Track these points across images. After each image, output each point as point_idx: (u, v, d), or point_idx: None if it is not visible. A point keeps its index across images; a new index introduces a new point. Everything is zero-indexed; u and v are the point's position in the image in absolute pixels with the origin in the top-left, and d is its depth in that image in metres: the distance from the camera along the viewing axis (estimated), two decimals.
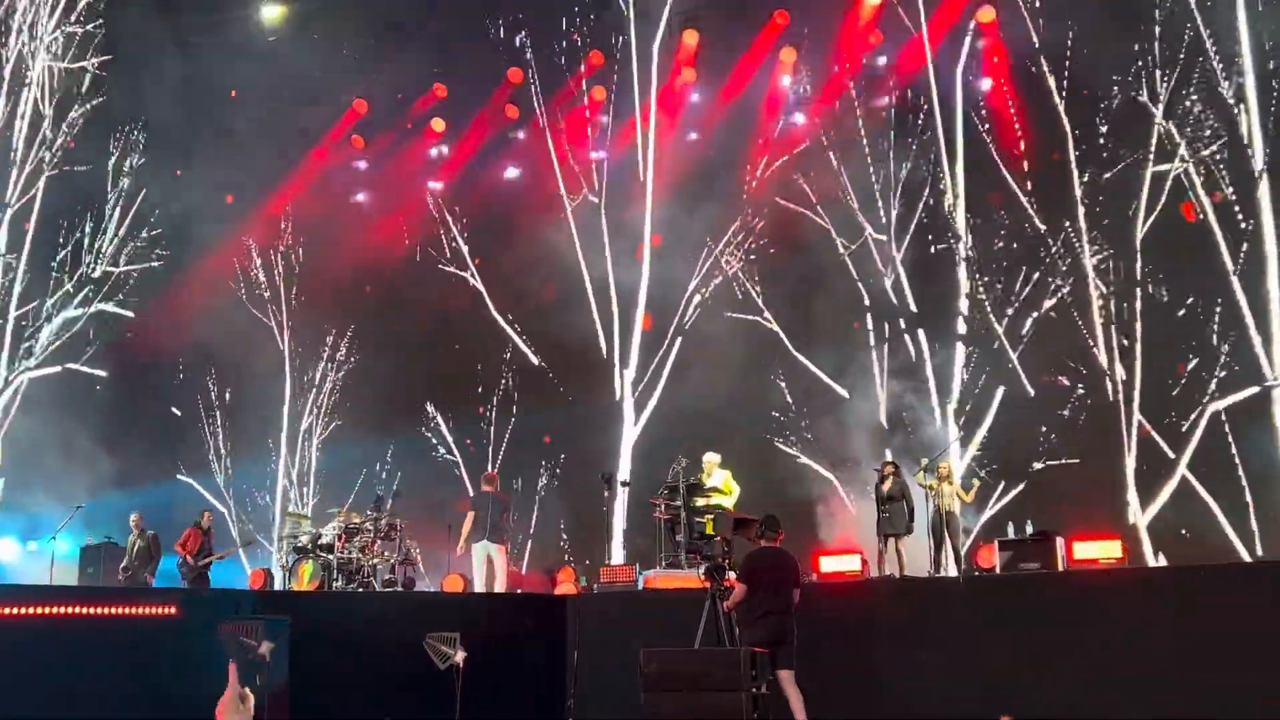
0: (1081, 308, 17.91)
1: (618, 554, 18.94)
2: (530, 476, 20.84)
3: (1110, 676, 10.16)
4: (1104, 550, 11.75)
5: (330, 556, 14.73)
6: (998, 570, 12.22)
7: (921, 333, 19.22)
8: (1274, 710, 9.49)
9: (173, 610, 10.80)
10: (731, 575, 10.48)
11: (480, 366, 21.80)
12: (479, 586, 14.81)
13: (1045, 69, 18.03)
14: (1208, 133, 17.09)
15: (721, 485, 14.40)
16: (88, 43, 20.71)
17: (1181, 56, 17.25)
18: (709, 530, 13.68)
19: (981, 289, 18.58)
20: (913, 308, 19.23)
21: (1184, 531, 16.34)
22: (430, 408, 21.89)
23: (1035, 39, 18.05)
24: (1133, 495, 17.03)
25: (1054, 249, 18.11)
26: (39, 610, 10.20)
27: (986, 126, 18.69)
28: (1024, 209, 18.36)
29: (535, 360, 21.57)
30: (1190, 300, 17.03)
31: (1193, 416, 16.88)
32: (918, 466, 14.67)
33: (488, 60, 21.53)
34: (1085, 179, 17.94)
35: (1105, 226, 17.80)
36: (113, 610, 10.67)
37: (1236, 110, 16.95)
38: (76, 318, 21.03)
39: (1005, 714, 10.07)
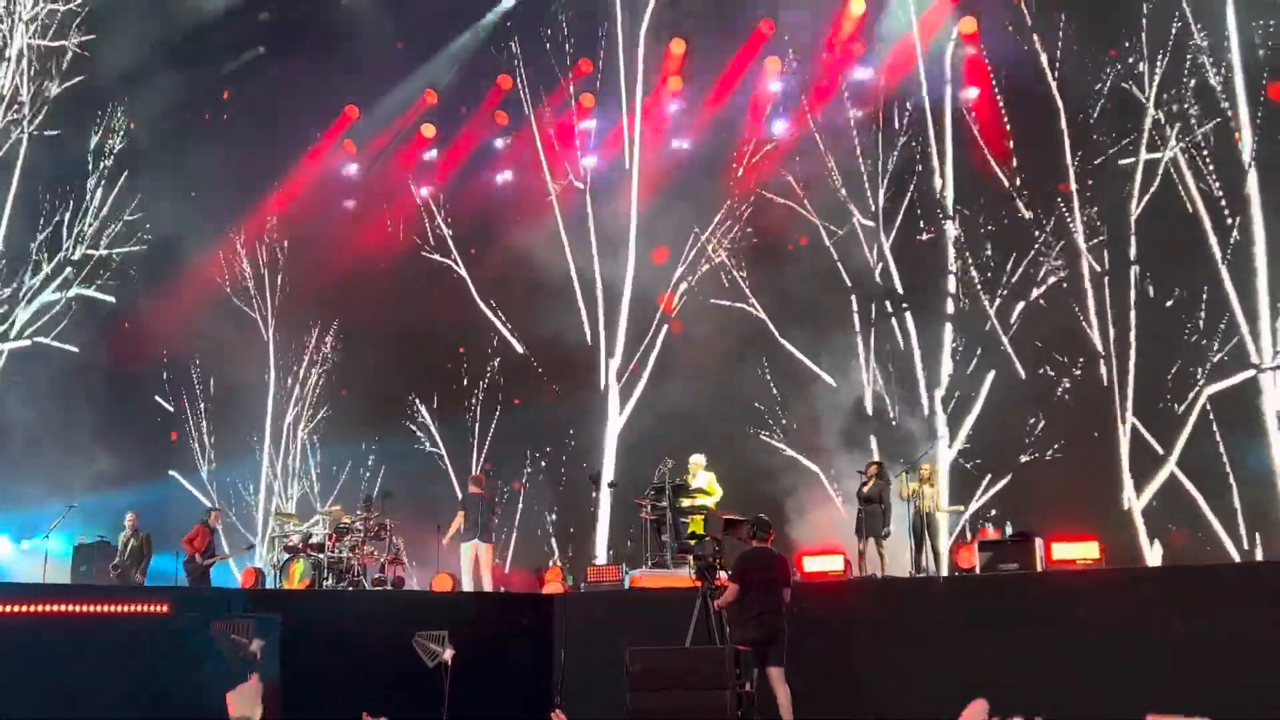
0: (1075, 287, 17.72)
1: (603, 553, 19.02)
2: (515, 470, 20.89)
3: (1088, 675, 10.32)
4: (1081, 551, 11.94)
5: (321, 555, 14.89)
6: (977, 570, 12.41)
7: (909, 316, 19.06)
8: (1250, 709, 9.64)
9: (165, 608, 10.90)
10: (722, 575, 10.64)
11: (465, 365, 21.82)
12: (467, 585, 14.99)
13: (1038, 47, 17.88)
14: (1192, 118, 17.07)
15: (706, 486, 14.62)
16: (71, 20, 20.58)
17: (1170, 42, 17.17)
18: (694, 530, 13.91)
19: (972, 268, 18.42)
20: (899, 289, 19.10)
21: (1171, 526, 16.27)
22: (416, 402, 21.89)
23: (1028, 24, 17.97)
24: (1127, 480, 16.93)
25: (1046, 229, 17.95)
26: (32, 608, 10.26)
27: (976, 128, 18.68)
28: (1014, 196, 18.26)
29: (520, 349, 21.55)
30: (1177, 292, 16.97)
31: (1188, 399, 16.73)
32: (900, 470, 14.79)
33: (479, 67, 21.66)
34: (1077, 159, 17.81)
35: (1098, 213, 17.69)
36: (105, 608, 10.75)
37: (1225, 101, 16.88)
38: (55, 301, 20.87)
39: (990, 713, 10.24)
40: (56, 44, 20.48)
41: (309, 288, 22.48)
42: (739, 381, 19.34)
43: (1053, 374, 17.67)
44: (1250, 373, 16.38)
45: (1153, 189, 17.28)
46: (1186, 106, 17.14)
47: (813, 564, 13.09)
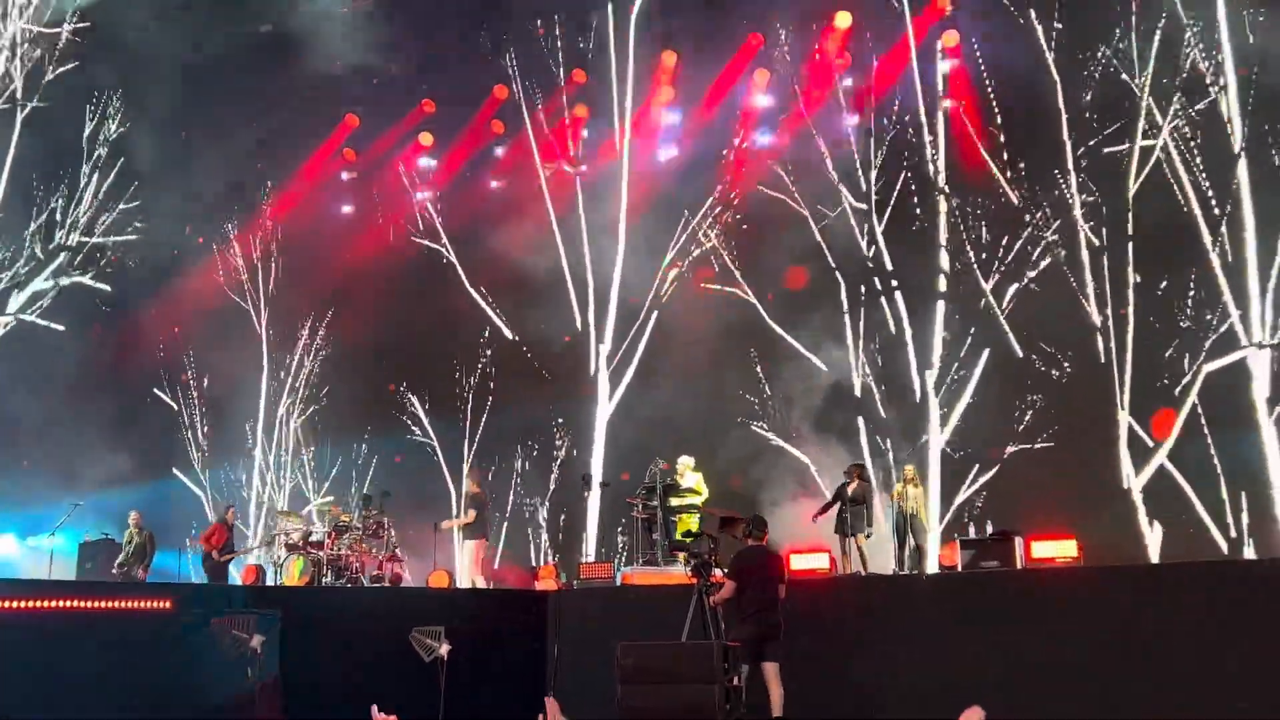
0: (1072, 260, 17.58)
1: (592, 551, 19.12)
2: (508, 460, 21.02)
3: (1065, 671, 10.53)
4: (1060, 549, 12.20)
5: (320, 553, 15.15)
6: (959, 568, 12.67)
7: (899, 296, 18.94)
8: (1224, 704, 9.87)
9: (167, 605, 11.17)
10: (718, 572, 10.85)
11: (456, 358, 21.84)
12: (464, 584, 15.31)
13: (1034, 22, 17.82)
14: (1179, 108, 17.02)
15: (695, 486, 14.93)
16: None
17: (1159, 29, 17.11)
18: (685, 529, 14.18)
19: (966, 243, 18.32)
20: (889, 265, 18.99)
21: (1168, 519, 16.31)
22: (407, 393, 21.96)
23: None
24: (1125, 459, 16.88)
25: (1044, 206, 17.82)
26: (37, 604, 10.53)
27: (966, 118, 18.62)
28: (1009, 181, 18.19)
29: (510, 335, 21.59)
30: (1165, 283, 16.94)
31: (1185, 379, 16.61)
32: (891, 476, 15.01)
33: (476, 76, 21.75)
34: (1072, 138, 17.70)
35: (1095, 190, 17.58)
36: (109, 604, 11.02)
37: (1217, 90, 16.81)
38: (46, 290, 20.82)
39: (970, 706, 10.49)
40: (52, 30, 20.35)
41: (302, 279, 22.59)
42: (727, 369, 19.38)
43: (1050, 349, 17.49)
44: (1247, 351, 16.23)
45: (1146, 169, 17.18)
46: (1177, 100, 17.05)
47: (799, 561, 13.32)
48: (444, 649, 11.04)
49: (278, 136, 22.38)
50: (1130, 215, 17.32)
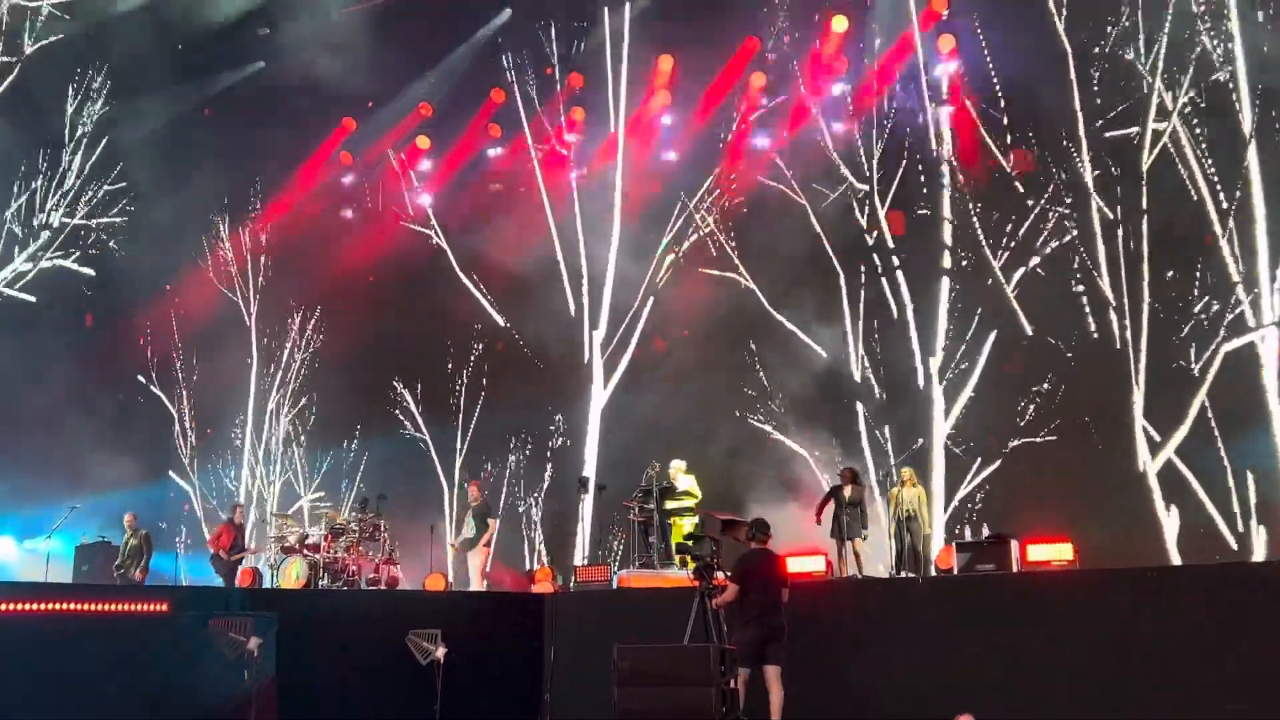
0: (1085, 233, 17.34)
1: (585, 554, 19.10)
2: (501, 455, 20.99)
3: (1061, 673, 10.59)
4: (1056, 553, 12.26)
5: (317, 556, 15.16)
6: (955, 571, 12.71)
7: (901, 276, 18.67)
8: (1221, 706, 9.90)
9: (164, 607, 11.19)
10: (720, 575, 10.86)
11: (450, 349, 21.75)
12: (477, 587, 15.44)
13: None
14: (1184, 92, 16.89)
15: (689, 489, 14.97)
16: None
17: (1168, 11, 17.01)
18: (680, 534, 14.22)
19: (975, 217, 18.01)
20: (890, 242, 18.78)
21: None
22: (399, 387, 21.85)
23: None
24: (1141, 443, 16.63)
25: (1056, 176, 17.54)
26: (33, 607, 10.53)
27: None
28: (1014, 152, 17.97)
29: (501, 321, 21.46)
30: (1170, 274, 16.79)
31: (1205, 357, 16.40)
32: (886, 474, 15.02)
33: (474, 79, 21.74)
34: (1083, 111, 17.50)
35: (1108, 171, 17.37)
36: (105, 607, 11.03)
37: (1227, 74, 16.68)
38: (26, 272, 20.60)
39: (964, 712, 10.51)
40: (33, 3, 20.12)
41: (293, 270, 22.48)
42: (723, 359, 19.25)
43: (1063, 328, 17.24)
44: (1268, 329, 16.06)
45: (1159, 146, 16.99)
46: (1187, 86, 16.92)
47: (794, 565, 13.33)
48: (440, 652, 11.05)
49: (273, 137, 22.29)
50: (1144, 189, 17.04)
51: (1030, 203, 17.81)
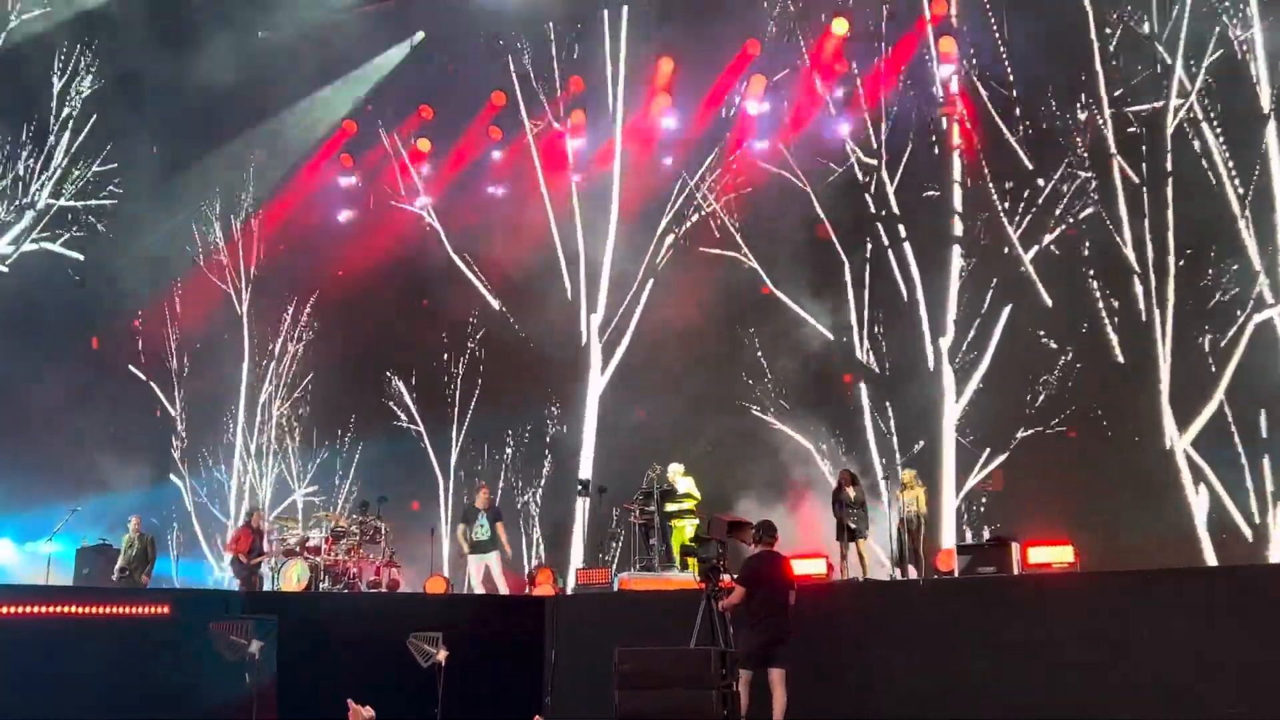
0: (1107, 200, 17.01)
1: (579, 557, 19.10)
2: (498, 446, 20.96)
3: (1063, 676, 10.58)
4: (1057, 555, 12.26)
5: (317, 559, 15.17)
6: (956, 574, 12.71)
7: (909, 251, 18.34)
8: (1221, 708, 9.91)
9: (165, 610, 11.18)
10: (727, 577, 10.88)
11: (446, 338, 21.71)
12: (503, 590, 15.58)
13: None
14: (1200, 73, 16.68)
15: (689, 491, 14.98)
16: None
17: None
18: (680, 538, 14.24)
19: (989, 183, 17.59)
20: (895, 209, 18.49)
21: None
22: (393, 377, 21.81)
23: None
24: (1169, 419, 16.31)
25: (1079, 139, 17.22)
26: (34, 610, 10.52)
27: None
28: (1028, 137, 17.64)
29: (496, 305, 21.41)
30: (1187, 255, 16.57)
31: (1232, 331, 16.15)
32: (890, 473, 14.99)
33: (474, 82, 21.77)
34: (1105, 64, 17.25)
35: (1132, 131, 17.09)
36: (107, 610, 11.00)
37: (1245, 49, 16.49)
38: (7, 254, 20.31)
39: (967, 713, 10.53)
40: None
41: (285, 260, 22.42)
42: (724, 347, 19.12)
43: (1095, 291, 16.88)
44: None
45: (1178, 117, 16.76)
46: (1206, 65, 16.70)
47: (795, 566, 13.34)
48: (442, 655, 11.03)
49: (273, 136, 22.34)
50: (1169, 152, 16.72)
51: (1037, 183, 17.48)
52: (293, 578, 14.82)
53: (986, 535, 13.42)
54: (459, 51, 21.68)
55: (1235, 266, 16.30)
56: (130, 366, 22.14)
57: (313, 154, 22.74)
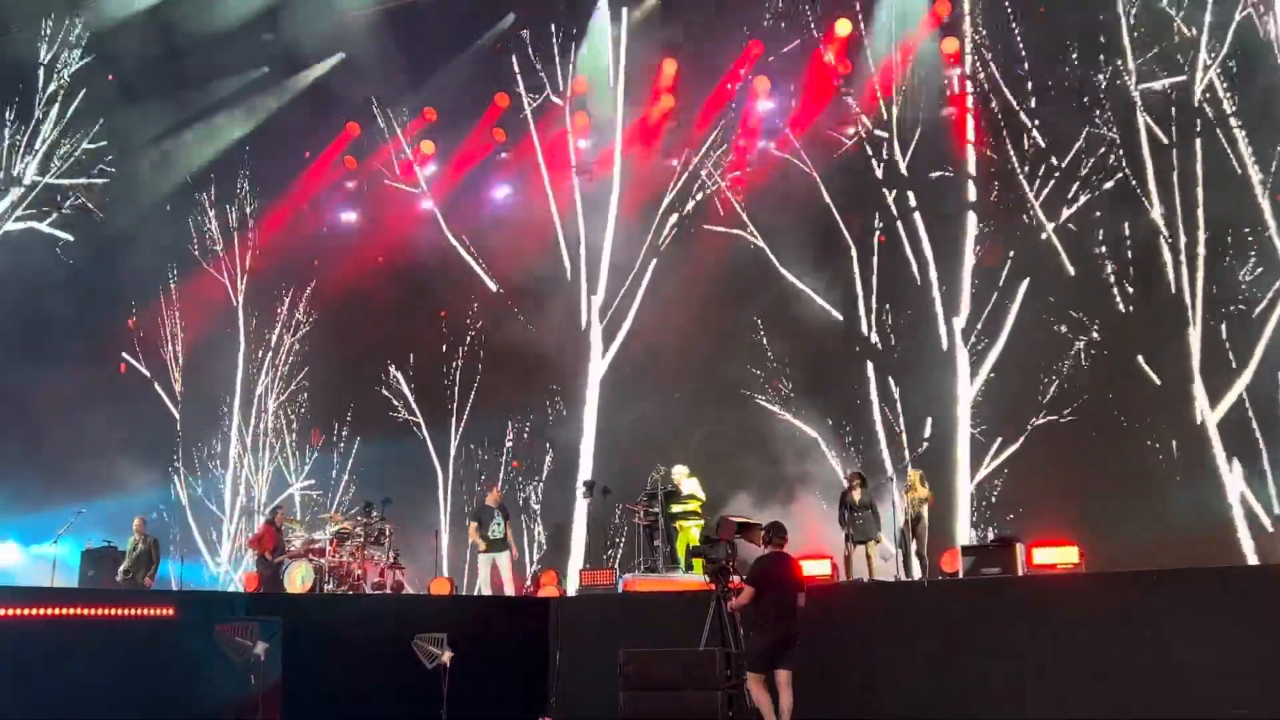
0: (1132, 156, 16.69)
1: (581, 557, 19.17)
2: (497, 438, 20.89)
3: (1068, 677, 10.59)
4: (1061, 556, 12.26)
5: (322, 560, 15.17)
6: (961, 575, 12.71)
7: (919, 220, 17.93)
8: (1225, 708, 9.92)
9: (170, 612, 11.20)
10: (737, 578, 10.86)
11: (445, 328, 21.62)
12: (510, 591, 15.52)
13: None
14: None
15: (693, 492, 14.97)
16: None
17: None
18: (686, 539, 14.23)
19: (1007, 141, 17.16)
20: (904, 171, 18.18)
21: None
22: (391, 369, 21.67)
23: None
24: (1200, 392, 15.85)
25: (1101, 94, 16.82)
26: (39, 612, 10.53)
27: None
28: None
29: (494, 287, 21.27)
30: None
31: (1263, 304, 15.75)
32: (887, 477, 14.97)
33: (477, 83, 21.77)
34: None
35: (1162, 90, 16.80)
36: (112, 612, 11.03)
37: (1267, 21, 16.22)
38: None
39: (972, 714, 10.52)
40: None
41: (281, 247, 22.26)
42: (728, 331, 18.84)
43: (1113, 268, 16.49)
44: None
45: (1202, 84, 16.45)
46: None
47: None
48: (446, 656, 11.04)
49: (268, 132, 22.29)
50: (1198, 109, 16.29)
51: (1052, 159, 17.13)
52: (297, 579, 14.81)
53: (991, 536, 13.36)
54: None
55: (1256, 247, 16.06)
56: (132, 361, 21.99)
57: (314, 148, 22.75)
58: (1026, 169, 17.37)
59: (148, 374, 22.08)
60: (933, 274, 17.94)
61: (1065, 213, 17.10)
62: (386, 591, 15.31)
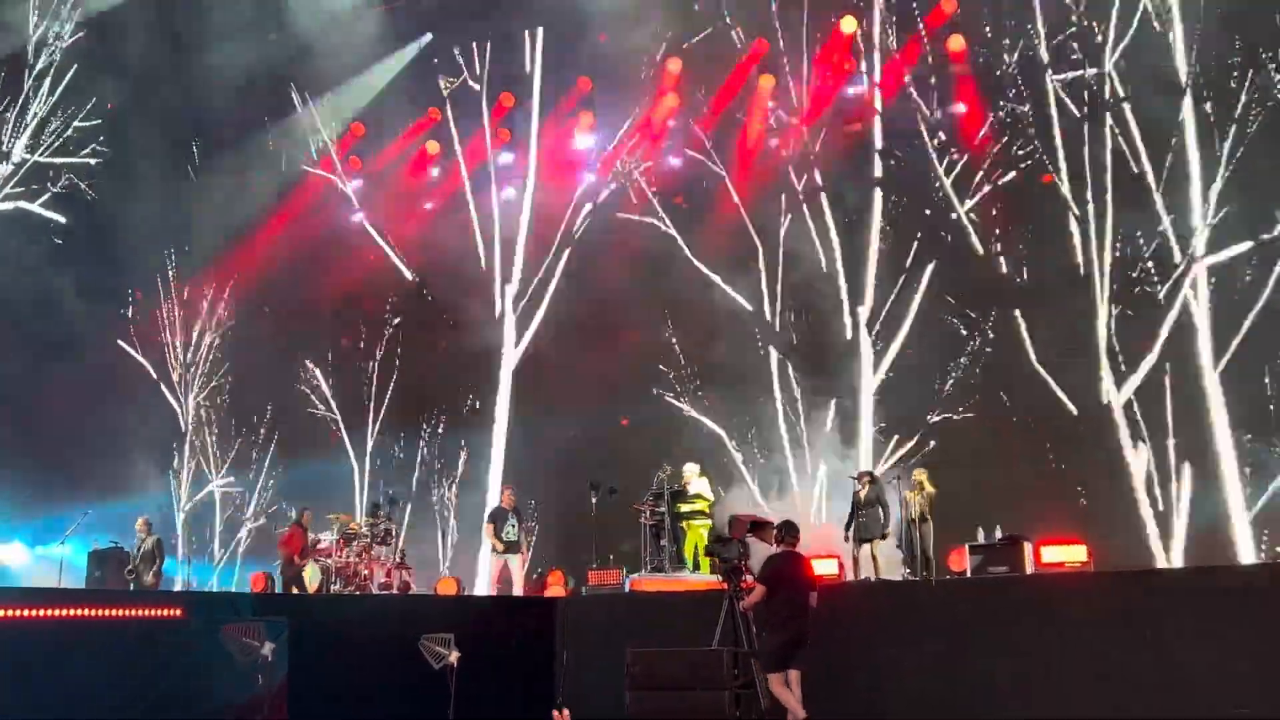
0: (1045, 140, 17.06)
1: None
2: (411, 436, 20.93)
3: (1077, 676, 10.54)
4: (1070, 554, 12.22)
5: (328, 561, 15.15)
6: (968, 574, 12.67)
7: (825, 200, 18.34)
8: (1231, 707, 9.86)
9: (177, 612, 11.21)
10: (749, 578, 10.84)
11: (363, 327, 21.64)
12: (519, 592, 15.53)
13: None
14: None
15: (701, 492, 14.93)
16: None
17: None
18: (694, 539, 14.20)
19: (921, 121, 17.54)
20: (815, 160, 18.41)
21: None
22: (309, 363, 21.60)
23: None
24: (1107, 372, 16.43)
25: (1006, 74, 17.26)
26: (48, 612, 10.52)
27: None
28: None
29: (409, 275, 21.35)
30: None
31: (1173, 278, 16.20)
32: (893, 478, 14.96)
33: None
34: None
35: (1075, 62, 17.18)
36: (119, 612, 11.03)
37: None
38: None
39: (978, 713, 10.48)
40: None
41: (201, 246, 22.08)
42: (640, 322, 19.07)
43: (1023, 249, 16.98)
44: (1246, 245, 15.88)
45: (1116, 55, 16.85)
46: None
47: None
48: (453, 656, 11.03)
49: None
50: (1112, 81, 16.75)
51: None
52: (306, 580, 14.80)
53: (999, 534, 13.32)
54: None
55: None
56: (121, 342, 21.81)
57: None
58: (939, 140, 17.74)
59: (155, 375, 22.05)
60: (838, 261, 18.39)
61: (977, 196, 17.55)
62: (393, 592, 15.29)
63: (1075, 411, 16.49)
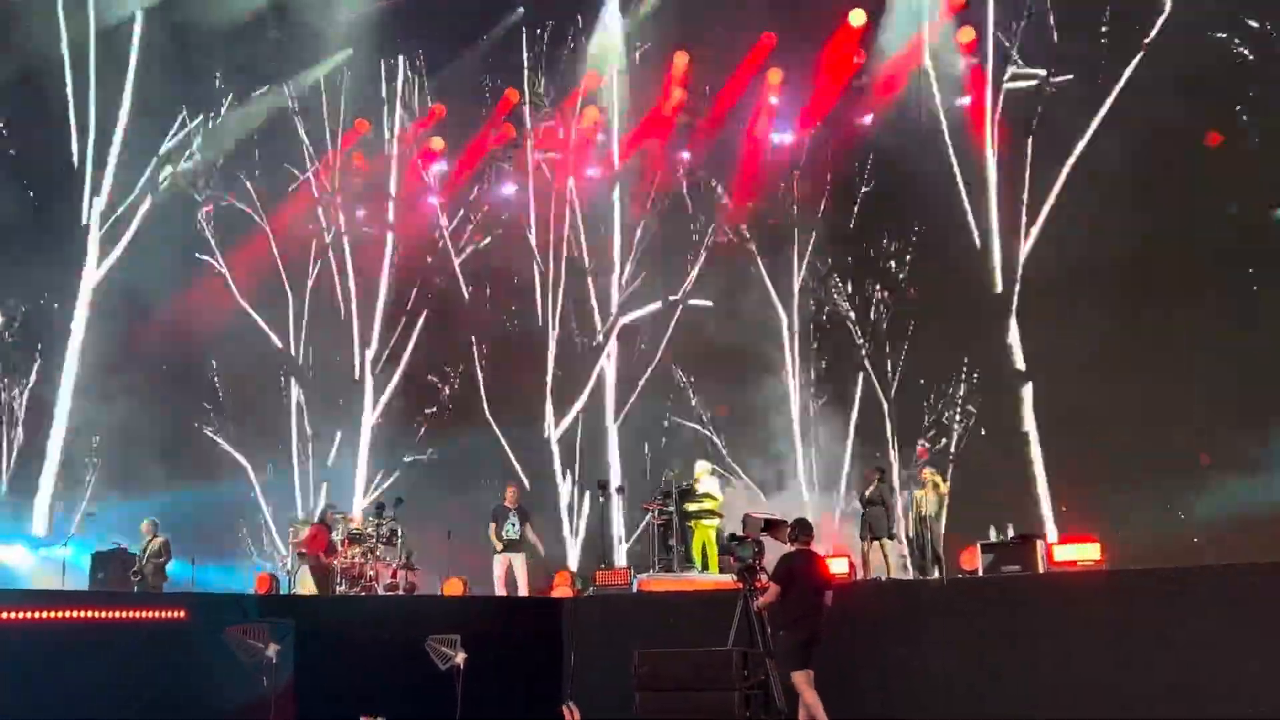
0: None
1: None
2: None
3: (1089, 675, 10.48)
4: (1082, 553, 12.12)
5: (334, 562, 15.06)
6: (980, 573, 12.56)
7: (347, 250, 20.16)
8: (1245, 706, 9.81)
9: (182, 614, 11.14)
10: (763, 577, 10.75)
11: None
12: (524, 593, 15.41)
13: None
14: None
15: (711, 491, 14.83)
16: None
17: None
18: (702, 538, 14.12)
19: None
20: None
21: None
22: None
23: None
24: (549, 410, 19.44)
25: None
26: (51, 614, 10.48)
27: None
28: None
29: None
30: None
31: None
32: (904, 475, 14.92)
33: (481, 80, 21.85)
34: None
35: None
36: (123, 614, 10.98)
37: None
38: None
39: (989, 712, 10.39)
40: None
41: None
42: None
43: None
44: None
45: None
46: None
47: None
48: (460, 657, 10.96)
49: None
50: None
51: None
52: (310, 581, 14.73)
53: (1011, 533, 13.23)
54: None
55: None
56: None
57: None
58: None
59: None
60: (354, 305, 20.41)
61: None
62: (399, 593, 15.19)
63: None
